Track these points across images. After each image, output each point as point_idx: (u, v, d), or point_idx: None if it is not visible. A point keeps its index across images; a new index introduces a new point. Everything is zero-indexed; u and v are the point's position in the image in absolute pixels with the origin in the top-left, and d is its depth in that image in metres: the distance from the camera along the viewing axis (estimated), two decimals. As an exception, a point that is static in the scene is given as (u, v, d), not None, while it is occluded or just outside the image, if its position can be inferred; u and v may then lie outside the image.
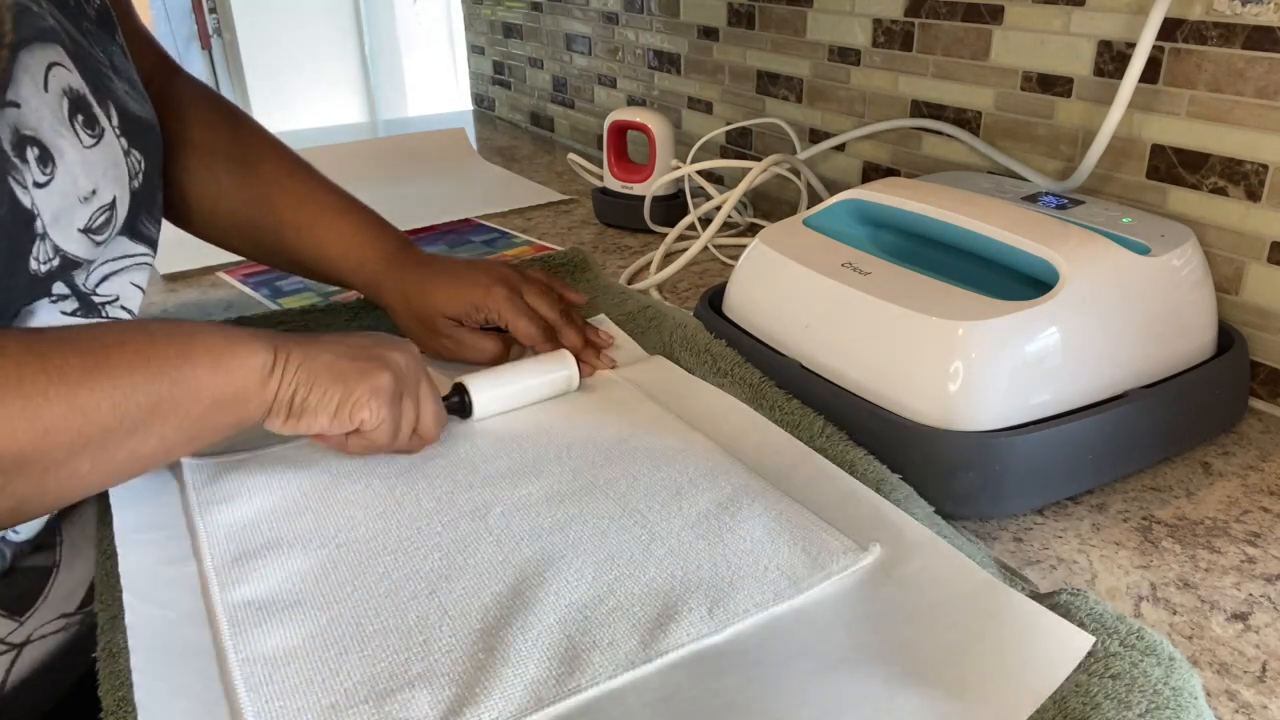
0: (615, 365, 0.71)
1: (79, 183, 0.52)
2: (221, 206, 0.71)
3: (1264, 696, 0.44)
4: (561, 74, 1.52)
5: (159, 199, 0.63)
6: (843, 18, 0.98)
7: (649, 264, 0.95)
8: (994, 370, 0.56)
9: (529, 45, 1.58)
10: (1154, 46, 0.69)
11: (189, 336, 0.50)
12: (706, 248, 0.94)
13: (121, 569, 0.49)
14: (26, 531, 0.58)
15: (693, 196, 1.04)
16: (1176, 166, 0.72)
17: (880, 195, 0.72)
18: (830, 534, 0.51)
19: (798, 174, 1.01)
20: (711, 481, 0.56)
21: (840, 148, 1.02)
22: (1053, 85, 0.80)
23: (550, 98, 1.57)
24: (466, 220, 1.14)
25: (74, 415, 0.44)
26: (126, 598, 0.47)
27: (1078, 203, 0.70)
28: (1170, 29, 0.69)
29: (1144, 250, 0.61)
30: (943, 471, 0.55)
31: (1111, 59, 0.75)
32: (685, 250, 0.91)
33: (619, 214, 1.09)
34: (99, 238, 0.55)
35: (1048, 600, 0.45)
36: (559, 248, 1.02)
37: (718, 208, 0.95)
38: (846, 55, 0.99)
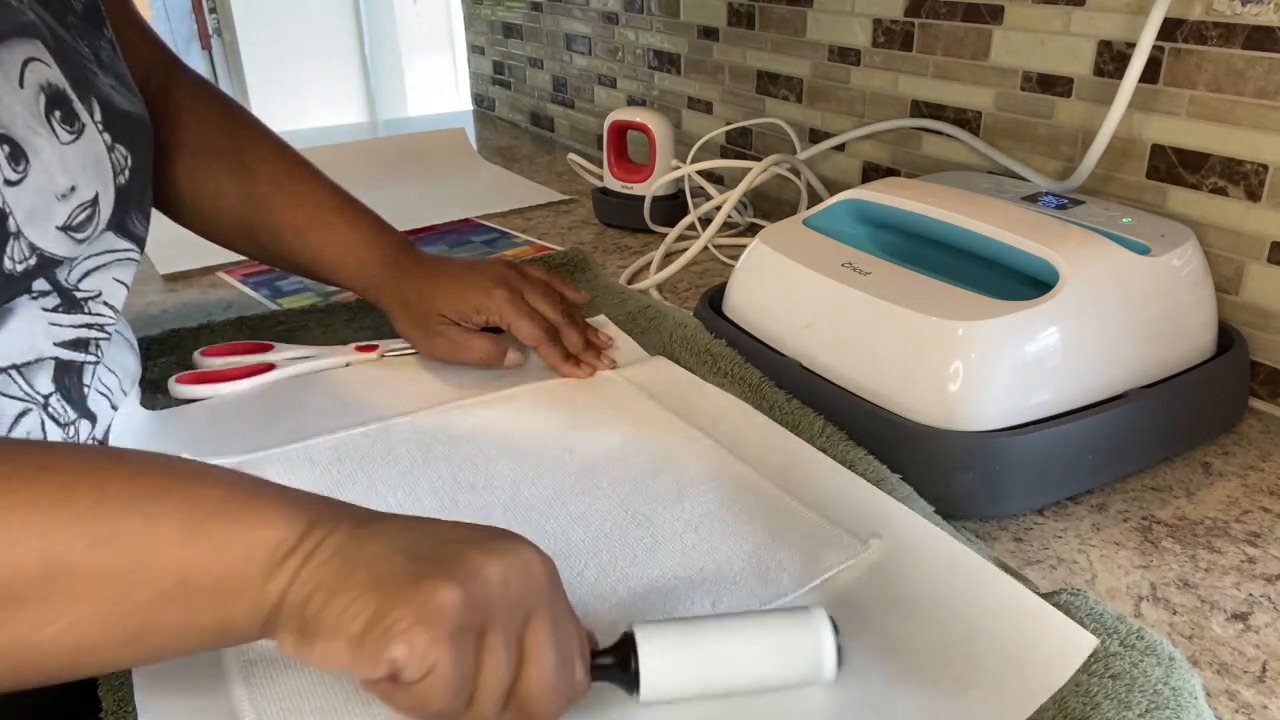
0: (615, 365, 0.71)
1: (56, 179, 0.50)
2: (221, 206, 0.71)
3: (1264, 696, 0.44)
4: (561, 74, 1.52)
5: (149, 196, 0.62)
6: (843, 18, 0.98)
7: (649, 264, 0.95)
8: (994, 370, 0.56)
9: (529, 45, 1.58)
10: (1154, 46, 0.69)
11: (182, 477, 0.36)
12: (706, 248, 0.94)
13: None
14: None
15: (693, 196, 1.04)
16: (1176, 166, 0.72)
17: (880, 195, 0.72)
18: (831, 529, 0.52)
19: (798, 174, 1.01)
20: (713, 482, 0.56)
21: (840, 148, 1.02)
22: (1053, 85, 0.80)
23: (550, 98, 1.57)
24: (466, 220, 1.14)
25: None
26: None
27: (1078, 203, 0.70)
28: (1170, 29, 0.69)
29: (1144, 250, 0.61)
30: (943, 471, 0.55)
31: (1111, 59, 0.75)
32: (685, 250, 0.91)
33: (619, 214, 1.09)
34: (80, 235, 0.53)
35: (1048, 600, 0.45)
36: (559, 248, 1.02)
37: (718, 208, 0.95)
38: (846, 55, 0.99)
